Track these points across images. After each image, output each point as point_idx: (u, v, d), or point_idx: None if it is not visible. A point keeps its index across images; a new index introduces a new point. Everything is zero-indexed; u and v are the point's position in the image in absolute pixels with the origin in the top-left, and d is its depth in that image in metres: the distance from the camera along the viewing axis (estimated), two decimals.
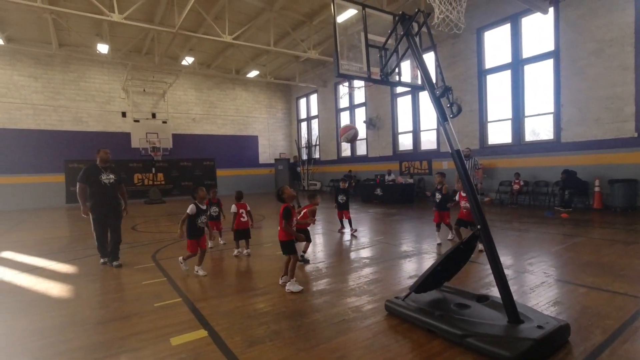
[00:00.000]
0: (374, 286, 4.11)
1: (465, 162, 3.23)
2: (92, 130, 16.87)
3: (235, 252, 5.79)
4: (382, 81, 3.69)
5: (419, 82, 3.92)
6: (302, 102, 22.79)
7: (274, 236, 6.18)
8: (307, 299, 3.75)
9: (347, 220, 7.55)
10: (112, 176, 5.43)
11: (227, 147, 20.65)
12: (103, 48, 14.37)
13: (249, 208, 5.82)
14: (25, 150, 15.47)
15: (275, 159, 22.67)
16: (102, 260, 5.51)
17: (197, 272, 4.74)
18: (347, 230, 7.53)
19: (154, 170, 18.09)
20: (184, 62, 17.15)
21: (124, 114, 17.62)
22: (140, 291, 4.22)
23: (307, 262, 5.24)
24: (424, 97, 14.67)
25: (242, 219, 5.71)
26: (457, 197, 5.83)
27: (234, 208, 5.71)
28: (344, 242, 6.86)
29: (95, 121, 17.01)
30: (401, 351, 2.61)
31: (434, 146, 14.55)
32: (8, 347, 2.93)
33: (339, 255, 5.88)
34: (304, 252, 5.33)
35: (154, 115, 18.40)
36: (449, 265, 3.25)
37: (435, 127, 14.38)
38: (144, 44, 15.97)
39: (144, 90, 18.08)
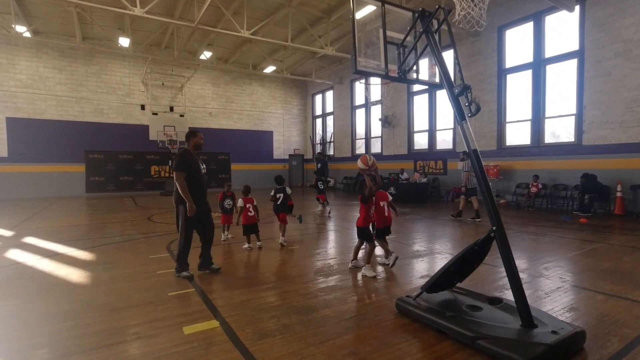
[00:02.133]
0: (385, 284, 4.10)
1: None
2: (112, 122, 17.28)
3: (246, 245, 5.84)
4: (400, 79, 3.65)
5: (437, 80, 3.87)
6: (318, 98, 22.77)
7: (286, 231, 6.23)
8: (317, 295, 3.76)
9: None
10: (204, 166, 4.49)
11: (242, 141, 20.84)
12: (124, 42, 14.64)
13: (255, 203, 5.86)
14: (48, 140, 15.96)
15: (290, 155, 22.76)
16: (185, 273, 4.30)
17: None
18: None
19: (170, 162, 18.40)
20: (202, 57, 17.34)
21: (142, 107, 17.96)
22: (155, 280, 4.31)
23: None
24: (441, 96, 14.45)
25: (249, 213, 5.75)
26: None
27: (241, 202, 5.78)
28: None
29: (115, 113, 17.40)
30: (411, 350, 2.60)
31: (449, 146, 14.33)
32: (27, 329, 3.04)
33: (351, 251, 5.86)
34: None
35: (171, 109, 18.71)
36: (462, 266, 3.20)
37: (452, 126, 14.16)
38: (164, 38, 16.25)
39: (163, 84, 18.38)
